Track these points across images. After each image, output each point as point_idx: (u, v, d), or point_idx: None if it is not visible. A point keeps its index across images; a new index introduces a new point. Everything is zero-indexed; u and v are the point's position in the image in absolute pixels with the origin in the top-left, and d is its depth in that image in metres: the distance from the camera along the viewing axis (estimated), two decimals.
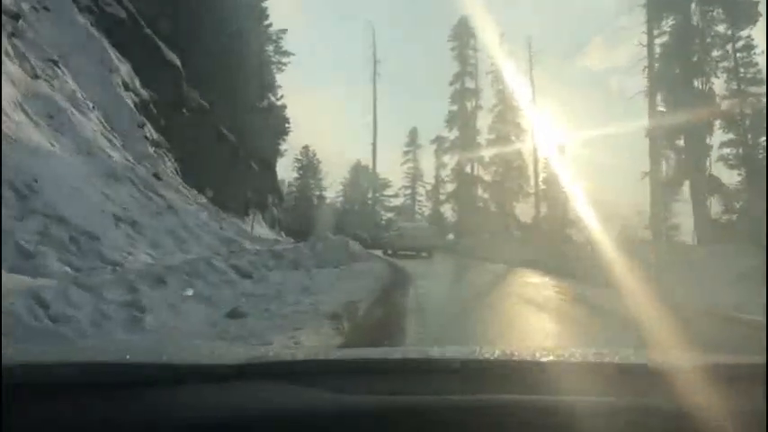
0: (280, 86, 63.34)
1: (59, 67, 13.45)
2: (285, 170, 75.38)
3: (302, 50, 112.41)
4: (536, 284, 13.74)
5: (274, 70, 41.87)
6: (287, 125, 59.32)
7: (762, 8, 25.19)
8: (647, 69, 30.05)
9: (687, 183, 27.81)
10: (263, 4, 38.17)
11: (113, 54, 17.20)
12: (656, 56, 29.00)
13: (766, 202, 20.26)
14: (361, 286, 9.30)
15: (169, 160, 18.06)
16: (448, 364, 1.46)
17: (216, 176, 27.48)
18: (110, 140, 12.33)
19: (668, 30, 28.43)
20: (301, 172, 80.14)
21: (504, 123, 49.17)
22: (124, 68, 17.38)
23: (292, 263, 10.79)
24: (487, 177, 50.74)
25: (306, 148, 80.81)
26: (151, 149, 15.94)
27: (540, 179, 46.63)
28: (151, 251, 8.51)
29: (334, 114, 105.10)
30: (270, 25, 38.37)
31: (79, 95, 12.87)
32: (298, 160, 79.63)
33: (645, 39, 29.25)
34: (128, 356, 1.39)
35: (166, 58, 21.19)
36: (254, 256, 9.81)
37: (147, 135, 16.25)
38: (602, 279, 12.00)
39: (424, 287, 11.54)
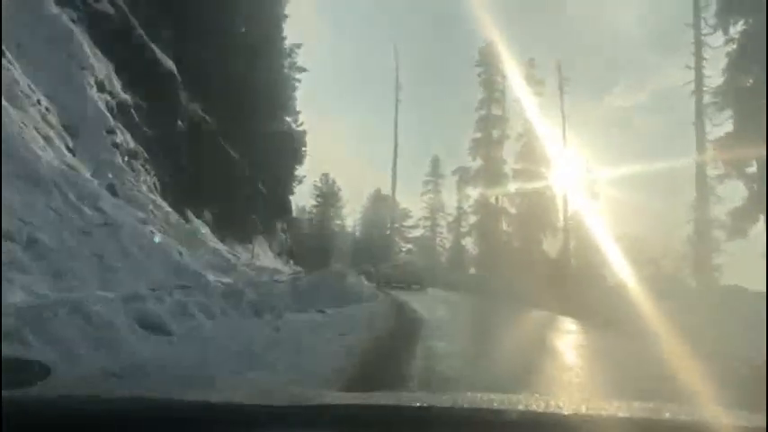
0: (299, 112, 61.89)
1: (5, 55, 11.18)
2: (303, 197, 73.78)
3: (322, 74, 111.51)
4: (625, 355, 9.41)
5: (289, 89, 39.79)
6: (303, 149, 57.32)
7: None
8: (694, 94, 27.27)
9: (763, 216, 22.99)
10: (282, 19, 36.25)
11: (90, 51, 14.96)
12: (718, 69, 25.66)
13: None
14: (335, 351, 6.20)
15: (147, 174, 15.65)
16: (504, 414, 1.42)
17: (216, 198, 25.10)
18: (49, 141, 9.98)
19: (737, 36, 24.88)
20: (320, 200, 78.25)
21: (531, 153, 46.44)
22: (102, 67, 15.12)
23: (254, 305, 8.06)
24: (513, 210, 47.88)
25: (325, 175, 79.00)
26: (120, 159, 13.55)
27: (570, 213, 43.76)
28: (40, 284, 5.93)
29: (356, 141, 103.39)
30: (285, 38, 36.41)
31: (22, 88, 10.57)
32: (317, 188, 77.99)
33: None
34: (169, 393, 1.45)
35: (160, 63, 18.96)
36: (200, 296, 7.13)
37: (119, 142, 13.88)
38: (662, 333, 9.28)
39: (444, 355, 7.34)
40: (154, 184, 15.95)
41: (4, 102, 9.20)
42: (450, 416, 1.37)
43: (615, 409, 1.49)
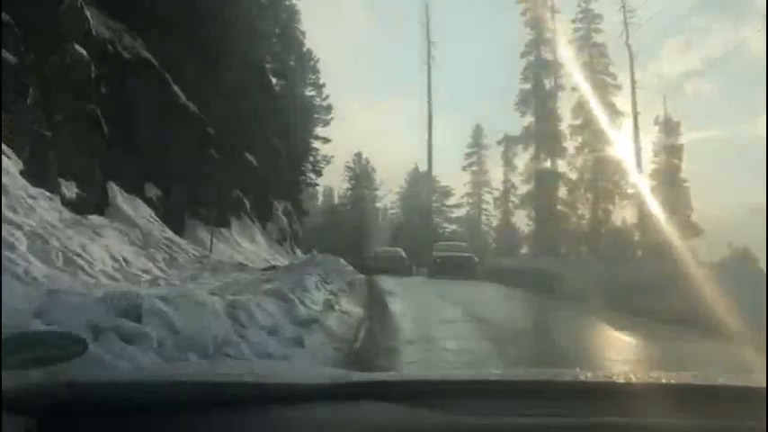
0: (319, 76, 54.71)
1: None
2: (335, 179, 67.92)
3: (348, 52, 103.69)
4: None
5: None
6: (316, 115, 50.34)
7: None
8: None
9: None
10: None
11: None
12: None
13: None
14: None
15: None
16: (552, 386, 1.44)
17: (167, 168, 17.99)
18: None
19: None
20: (353, 182, 71.70)
21: (593, 105, 38.00)
22: None
23: None
24: (573, 175, 39.63)
25: (358, 155, 72.50)
26: None
27: (649, 173, 35.33)
28: None
29: (389, 116, 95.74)
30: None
31: None
32: (349, 168, 71.57)
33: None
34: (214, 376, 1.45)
35: None
36: None
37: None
38: None
39: None
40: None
41: None
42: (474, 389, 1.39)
43: (614, 376, 1.54)
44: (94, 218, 13.05)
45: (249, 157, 24.19)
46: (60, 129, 12.86)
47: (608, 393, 1.37)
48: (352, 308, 7.40)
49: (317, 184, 57.84)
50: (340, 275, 11.84)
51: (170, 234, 15.68)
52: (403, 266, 25.96)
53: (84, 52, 13.79)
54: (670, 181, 32.70)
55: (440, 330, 7.05)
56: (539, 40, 39.45)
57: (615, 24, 37.45)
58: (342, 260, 17.41)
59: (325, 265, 11.74)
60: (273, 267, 14.39)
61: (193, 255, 14.72)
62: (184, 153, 18.42)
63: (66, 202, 12.49)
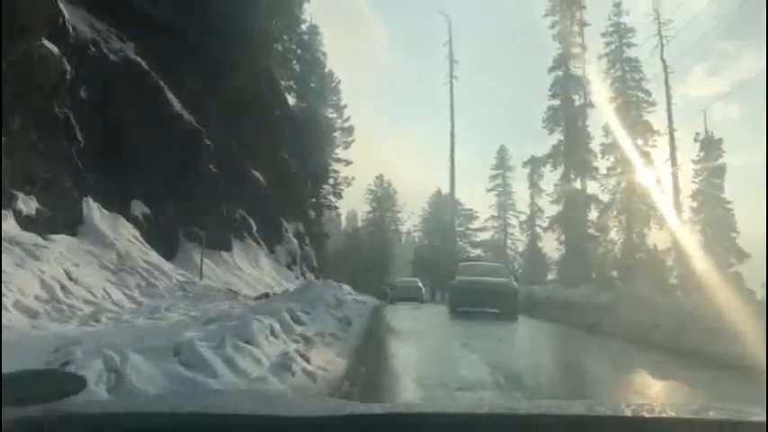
0: (341, 102, 53.41)
1: None
2: (355, 202, 66.83)
3: (371, 76, 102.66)
4: None
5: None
6: (335, 134, 48.96)
7: None
8: None
9: None
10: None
11: None
12: None
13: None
14: None
15: None
16: (554, 419, 1.37)
17: (169, 185, 16.27)
18: None
19: None
20: (374, 204, 70.26)
21: (624, 122, 35.81)
22: None
23: None
24: (605, 196, 37.19)
25: (380, 177, 71.29)
26: None
27: (689, 194, 32.80)
28: None
29: (411, 137, 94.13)
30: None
31: None
32: (371, 191, 70.23)
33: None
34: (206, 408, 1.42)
35: None
36: None
37: None
38: None
39: None
40: None
41: None
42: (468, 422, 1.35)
43: (613, 409, 1.51)
44: (58, 237, 11.26)
45: (256, 174, 22.40)
46: (21, 134, 11.13)
47: (613, 427, 1.32)
48: (326, 364, 5.17)
49: (338, 207, 56.28)
50: (338, 307, 9.70)
51: (154, 257, 13.82)
52: (419, 295, 29.44)
53: (56, 49, 12.11)
54: (712, 202, 30.16)
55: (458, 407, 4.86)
56: (567, 55, 37.39)
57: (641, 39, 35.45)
58: (346, 287, 15.38)
59: (320, 294, 9.54)
60: (267, 295, 12.45)
61: (177, 281, 12.83)
62: (178, 167, 16.67)
63: (24, 219, 10.73)
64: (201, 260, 14.66)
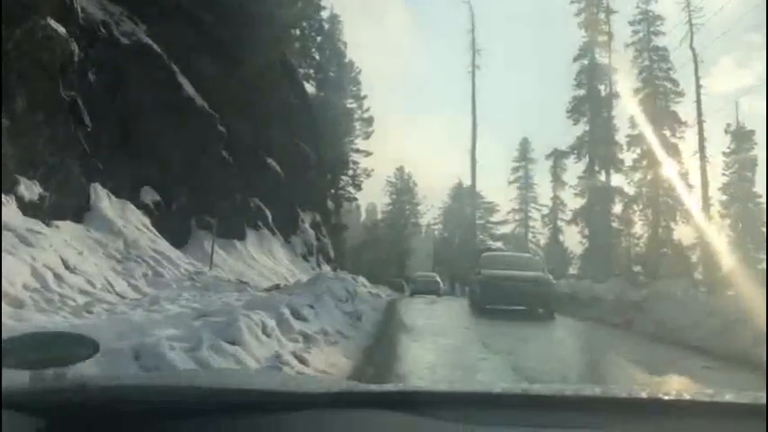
0: (360, 88, 52.80)
1: None
2: (375, 194, 66.41)
3: (392, 68, 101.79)
4: None
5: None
6: (355, 125, 48.49)
7: None
8: None
9: None
10: None
11: None
12: None
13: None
14: None
15: None
16: (558, 400, 1.37)
17: (182, 172, 15.89)
18: None
19: None
20: (394, 196, 69.72)
21: (651, 113, 34.76)
22: None
23: None
24: (630, 189, 36.16)
25: (400, 169, 70.64)
26: None
27: (719, 187, 31.74)
28: None
29: (432, 129, 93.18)
30: None
31: None
32: (390, 183, 69.70)
33: None
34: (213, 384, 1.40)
35: None
36: None
37: None
38: None
39: None
40: None
41: None
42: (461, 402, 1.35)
43: (614, 391, 1.50)
44: (62, 224, 10.89)
45: (272, 162, 21.94)
46: (25, 117, 10.74)
47: (620, 408, 1.33)
48: (328, 366, 4.52)
49: (356, 199, 55.74)
50: (349, 301, 9.11)
51: (164, 246, 13.42)
52: (437, 288, 30.49)
53: (63, 29, 11.68)
54: (743, 196, 29.11)
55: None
56: (593, 43, 36.33)
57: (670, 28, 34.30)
58: (361, 279, 14.80)
59: (328, 287, 8.93)
60: (278, 287, 11.96)
61: (186, 270, 12.40)
62: (191, 154, 16.25)
63: (27, 205, 10.35)
64: (212, 249, 14.23)
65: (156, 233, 13.99)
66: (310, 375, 3.15)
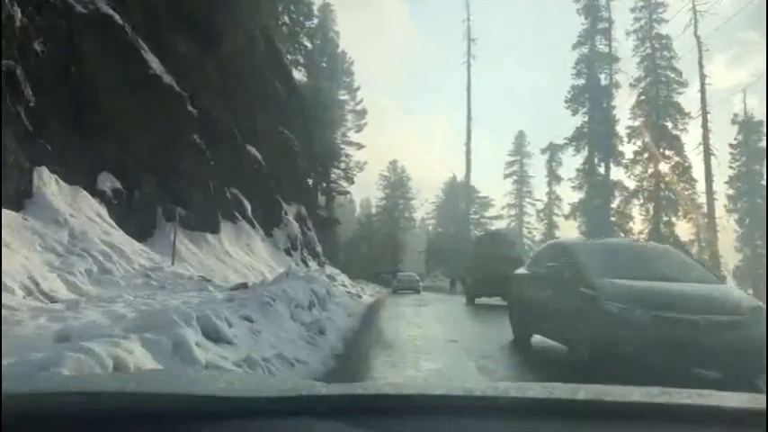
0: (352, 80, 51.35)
1: None
2: (369, 188, 65.46)
3: (386, 60, 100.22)
4: None
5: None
6: (345, 115, 47.19)
7: None
8: None
9: None
10: None
11: None
12: None
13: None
14: None
15: None
16: (539, 404, 1.27)
17: (146, 157, 14.35)
18: None
19: None
20: (388, 191, 68.81)
21: (654, 104, 33.43)
22: None
23: None
24: (630, 183, 34.76)
25: (393, 162, 69.98)
26: None
27: (726, 179, 30.38)
28: None
29: (426, 121, 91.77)
30: None
31: None
32: (384, 177, 68.76)
33: None
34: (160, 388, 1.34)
35: None
36: None
37: None
38: None
39: None
40: None
41: None
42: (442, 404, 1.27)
43: (610, 394, 1.40)
44: None
45: (252, 150, 20.41)
46: None
47: (598, 412, 1.25)
48: None
49: (349, 192, 54.51)
50: (315, 306, 7.46)
51: (119, 238, 11.88)
52: (417, 286, 32.23)
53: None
54: (752, 190, 27.78)
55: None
56: (593, 31, 34.82)
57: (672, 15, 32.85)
58: (341, 277, 13.29)
59: (288, 289, 7.19)
60: (245, 285, 10.48)
61: (141, 266, 10.89)
62: (158, 137, 14.72)
63: None
64: (174, 243, 12.71)
65: (113, 224, 12.46)
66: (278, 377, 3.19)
